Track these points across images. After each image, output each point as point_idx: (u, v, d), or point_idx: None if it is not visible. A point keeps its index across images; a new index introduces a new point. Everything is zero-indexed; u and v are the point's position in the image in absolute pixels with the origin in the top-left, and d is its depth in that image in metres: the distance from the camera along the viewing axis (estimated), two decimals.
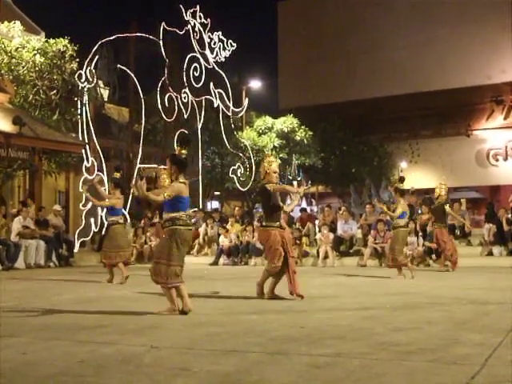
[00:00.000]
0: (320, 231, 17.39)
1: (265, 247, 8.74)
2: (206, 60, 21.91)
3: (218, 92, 22.34)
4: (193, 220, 7.62)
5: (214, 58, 22.19)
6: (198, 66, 21.52)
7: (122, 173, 12.44)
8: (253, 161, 23.70)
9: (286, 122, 29.79)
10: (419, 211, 18.10)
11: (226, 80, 22.80)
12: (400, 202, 12.14)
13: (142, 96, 20.40)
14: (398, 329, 5.76)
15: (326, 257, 16.45)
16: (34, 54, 18.60)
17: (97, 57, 18.65)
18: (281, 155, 28.62)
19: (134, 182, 7.96)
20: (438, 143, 37.57)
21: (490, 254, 16.32)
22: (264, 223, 8.45)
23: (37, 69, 18.59)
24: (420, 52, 38.39)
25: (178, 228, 6.78)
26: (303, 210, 21.61)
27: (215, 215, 20.07)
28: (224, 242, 17.63)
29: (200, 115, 22.24)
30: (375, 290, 9.93)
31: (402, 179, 12.69)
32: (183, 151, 7.14)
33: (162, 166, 21.60)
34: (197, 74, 21.48)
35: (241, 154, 23.76)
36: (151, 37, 20.40)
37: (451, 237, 14.93)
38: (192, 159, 22.35)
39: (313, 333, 5.64)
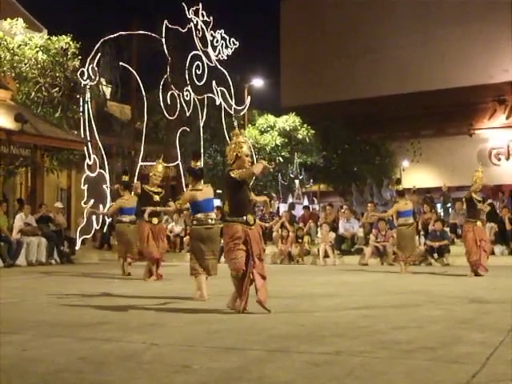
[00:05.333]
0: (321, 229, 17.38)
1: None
2: (209, 58, 21.87)
3: (221, 90, 22.32)
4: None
5: (217, 56, 22.15)
6: (200, 64, 21.48)
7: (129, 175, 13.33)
8: (255, 159, 23.69)
9: (288, 121, 29.78)
10: (421, 210, 18.08)
11: (229, 78, 22.77)
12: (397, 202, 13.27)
13: (144, 94, 20.37)
14: (399, 327, 5.75)
15: (327, 255, 16.44)
16: (37, 52, 18.60)
17: (99, 54, 18.61)
18: (283, 153, 28.62)
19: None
20: (439, 142, 37.58)
21: (492, 253, 16.29)
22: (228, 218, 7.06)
23: (39, 66, 18.60)
24: (422, 51, 38.41)
25: (195, 228, 8.16)
26: (305, 207, 21.59)
27: (217, 213, 20.03)
28: None
29: (202, 113, 22.22)
30: (376, 288, 9.93)
31: (398, 181, 13.75)
32: (197, 163, 8.62)
33: (164, 164, 21.63)
34: (199, 72, 21.43)
35: None
36: (154, 34, 20.37)
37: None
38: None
39: (313, 331, 5.64)
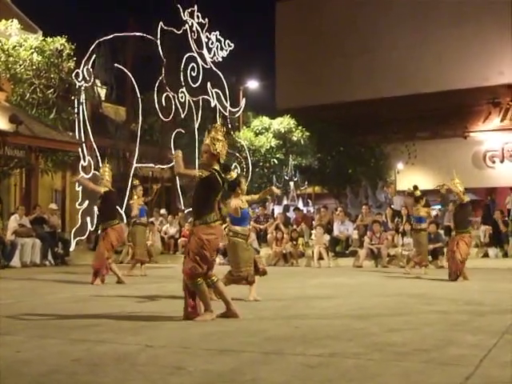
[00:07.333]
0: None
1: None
2: (204, 60, 21.89)
3: (216, 92, 22.32)
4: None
5: (212, 57, 22.17)
6: (195, 66, 21.49)
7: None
8: (249, 161, 23.73)
9: (283, 123, 29.80)
10: None
11: (224, 80, 22.78)
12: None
13: (139, 95, 20.36)
14: (393, 329, 5.76)
15: (321, 258, 16.44)
16: (32, 53, 18.57)
17: (94, 56, 18.60)
18: (277, 155, 28.64)
19: None
20: (434, 145, 37.54)
21: (486, 255, 16.34)
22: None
23: (34, 67, 18.56)
24: (417, 53, 38.41)
25: None
26: (297, 209, 21.56)
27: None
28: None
29: (197, 115, 22.21)
30: (370, 290, 9.93)
31: (415, 187, 13.55)
32: (233, 174, 8.34)
33: (158, 166, 21.66)
34: (194, 74, 21.44)
35: (237, 154, 23.73)
36: (149, 36, 20.36)
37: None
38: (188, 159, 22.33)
39: (307, 333, 5.64)
